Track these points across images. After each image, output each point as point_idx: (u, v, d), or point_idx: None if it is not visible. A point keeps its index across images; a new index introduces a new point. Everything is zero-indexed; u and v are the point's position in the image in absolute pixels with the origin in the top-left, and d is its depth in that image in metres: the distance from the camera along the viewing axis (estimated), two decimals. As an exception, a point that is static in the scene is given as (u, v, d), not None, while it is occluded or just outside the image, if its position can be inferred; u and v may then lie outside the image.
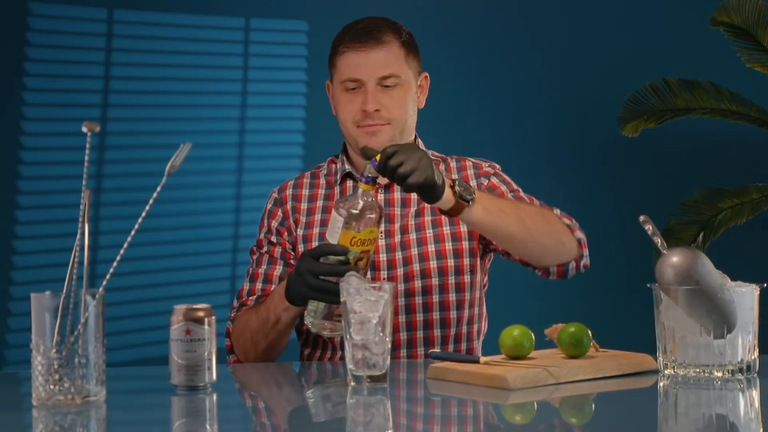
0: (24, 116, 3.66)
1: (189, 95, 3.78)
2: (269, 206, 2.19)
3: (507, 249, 2.02)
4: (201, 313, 1.57)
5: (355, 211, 1.73)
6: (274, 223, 2.14)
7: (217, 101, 3.79)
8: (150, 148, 3.70)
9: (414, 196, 2.11)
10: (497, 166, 2.21)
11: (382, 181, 2.09)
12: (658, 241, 1.68)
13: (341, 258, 1.74)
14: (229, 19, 3.79)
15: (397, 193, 2.13)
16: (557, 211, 2.08)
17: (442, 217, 2.08)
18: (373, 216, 1.74)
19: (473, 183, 2.14)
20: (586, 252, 2.06)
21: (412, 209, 2.11)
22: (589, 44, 3.89)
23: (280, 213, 2.16)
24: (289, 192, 2.18)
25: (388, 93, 2.05)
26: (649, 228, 1.70)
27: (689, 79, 3.58)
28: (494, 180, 2.16)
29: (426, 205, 2.10)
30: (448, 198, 1.78)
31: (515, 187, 2.17)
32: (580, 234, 2.05)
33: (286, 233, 2.13)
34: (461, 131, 3.80)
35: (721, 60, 3.68)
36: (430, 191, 1.74)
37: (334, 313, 1.77)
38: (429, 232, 2.08)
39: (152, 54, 3.76)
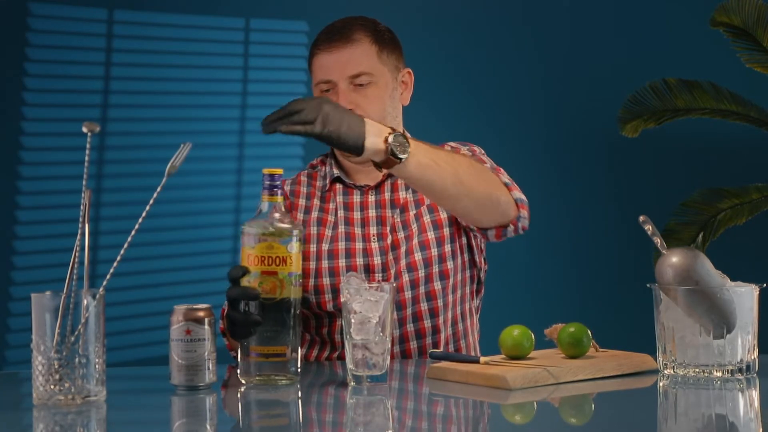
0: (24, 116, 3.66)
1: (189, 95, 3.78)
2: None
3: (440, 204, 1.95)
4: (201, 314, 1.57)
5: (252, 224, 1.58)
6: None
7: (217, 101, 3.79)
8: (150, 148, 3.70)
9: (402, 195, 2.10)
10: (476, 148, 2.15)
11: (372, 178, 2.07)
12: (658, 241, 1.69)
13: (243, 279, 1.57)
14: (229, 19, 3.79)
15: (387, 194, 2.12)
16: (504, 175, 2.00)
17: (423, 208, 2.08)
18: (273, 229, 1.57)
19: None
20: (524, 213, 1.95)
21: (399, 207, 2.10)
22: (589, 44, 3.89)
23: None
24: (287, 188, 2.18)
25: (361, 92, 2.02)
26: (648, 228, 1.70)
27: (689, 79, 3.58)
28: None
29: (409, 199, 2.09)
30: (376, 150, 1.68)
31: (487, 162, 2.09)
32: (518, 194, 1.96)
33: None
34: (461, 131, 3.79)
35: (720, 60, 3.68)
36: (341, 143, 1.63)
37: (250, 353, 1.57)
38: (414, 227, 2.07)
39: (152, 54, 3.76)
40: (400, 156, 1.69)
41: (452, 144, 2.18)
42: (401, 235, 2.07)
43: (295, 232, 1.59)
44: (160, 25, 3.78)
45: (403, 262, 2.04)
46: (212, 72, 3.79)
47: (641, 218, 1.71)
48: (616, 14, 3.91)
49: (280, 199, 1.61)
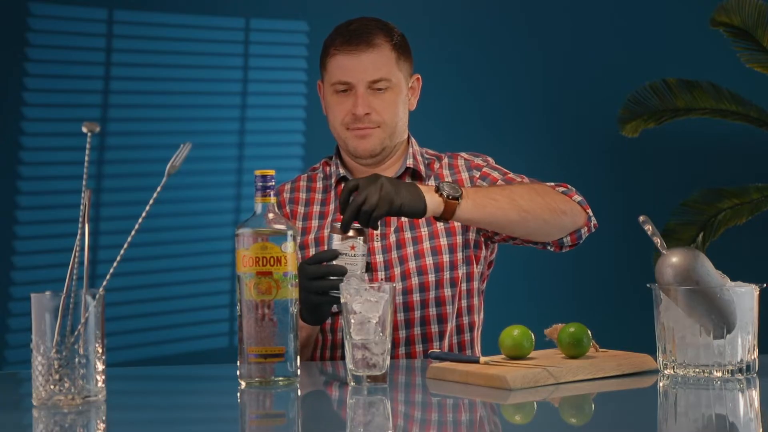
0: (24, 116, 3.66)
1: (189, 95, 3.78)
2: None
3: (509, 233, 2.00)
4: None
5: (245, 226, 1.59)
6: None
7: (217, 101, 3.79)
8: (150, 148, 3.70)
9: None
10: (489, 159, 2.20)
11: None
12: (658, 241, 1.69)
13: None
14: (229, 19, 3.79)
15: None
16: (551, 183, 2.06)
17: None
18: (266, 229, 1.57)
19: (465, 175, 2.14)
20: (590, 212, 2.04)
21: None
22: (589, 44, 3.89)
23: None
24: (286, 195, 2.18)
25: (378, 96, 2.05)
26: (648, 228, 1.70)
27: (689, 79, 3.58)
28: (486, 170, 2.15)
29: None
30: (435, 204, 1.79)
31: (507, 171, 2.16)
32: (578, 197, 2.03)
33: None
34: (461, 132, 3.80)
35: (720, 60, 3.68)
36: (406, 212, 1.75)
37: (249, 354, 1.56)
38: (424, 230, 2.08)
39: (152, 54, 3.76)
40: (456, 195, 1.79)
41: (465, 155, 2.19)
42: (408, 235, 2.08)
43: (290, 232, 1.58)
44: (160, 25, 3.78)
45: (412, 264, 2.05)
46: (212, 72, 3.78)
47: (641, 218, 1.71)
48: (616, 14, 3.91)
49: (273, 200, 1.60)
